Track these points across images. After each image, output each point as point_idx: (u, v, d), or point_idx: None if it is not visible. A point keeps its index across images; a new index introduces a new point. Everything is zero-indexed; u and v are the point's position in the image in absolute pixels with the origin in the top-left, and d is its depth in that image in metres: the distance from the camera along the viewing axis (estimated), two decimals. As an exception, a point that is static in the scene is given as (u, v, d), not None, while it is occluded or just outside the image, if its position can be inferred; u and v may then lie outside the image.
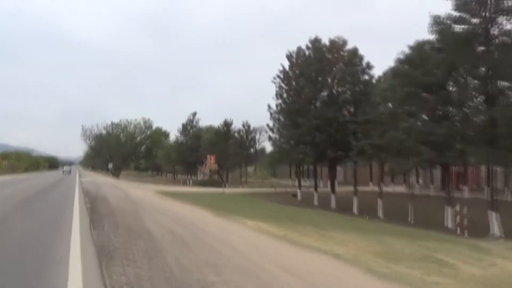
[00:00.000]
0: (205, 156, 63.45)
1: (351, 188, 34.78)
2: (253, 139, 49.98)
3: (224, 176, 54.07)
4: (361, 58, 28.76)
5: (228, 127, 55.95)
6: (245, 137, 48.89)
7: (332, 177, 31.17)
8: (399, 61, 20.54)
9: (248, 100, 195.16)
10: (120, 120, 62.72)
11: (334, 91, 29.57)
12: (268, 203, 27.22)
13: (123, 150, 62.42)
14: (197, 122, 71.63)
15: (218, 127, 58.97)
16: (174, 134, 72.39)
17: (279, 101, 37.31)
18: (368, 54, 28.62)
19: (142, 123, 63.07)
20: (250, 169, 79.59)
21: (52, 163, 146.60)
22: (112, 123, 62.64)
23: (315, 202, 32.86)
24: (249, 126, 49.25)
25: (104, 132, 62.64)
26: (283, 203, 30.97)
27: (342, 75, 29.02)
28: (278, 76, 36.90)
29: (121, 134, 63.14)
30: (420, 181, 52.32)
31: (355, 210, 27.75)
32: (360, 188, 36.45)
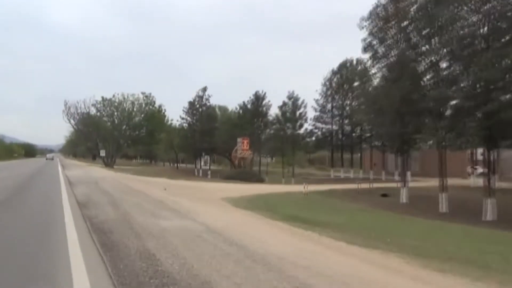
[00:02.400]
0: (225, 141, 50.84)
1: (431, 182, 23.55)
2: (302, 116, 37.49)
3: (250, 166, 41.68)
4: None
5: (259, 101, 43.51)
6: (289, 113, 36.45)
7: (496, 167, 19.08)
8: None
9: (231, 86, 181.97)
10: (114, 96, 49.26)
11: None
12: (407, 216, 15.35)
13: (118, 133, 49.20)
14: (207, 100, 58.70)
15: (244, 103, 46.45)
16: (174, 116, 58.96)
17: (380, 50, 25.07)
18: None
19: (141, 99, 49.76)
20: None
21: (28, 151, 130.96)
22: (104, 99, 49.13)
23: (443, 208, 21.02)
24: (296, 99, 36.71)
25: (93, 110, 49.17)
26: (401, 211, 19.05)
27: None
28: (371, 16, 24.50)
29: (115, 113, 49.73)
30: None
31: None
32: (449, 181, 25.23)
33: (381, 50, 25.55)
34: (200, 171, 59.76)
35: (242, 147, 36.09)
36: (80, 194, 11.46)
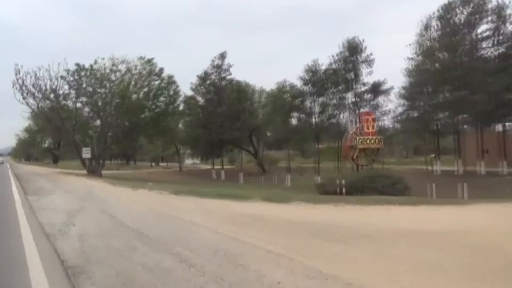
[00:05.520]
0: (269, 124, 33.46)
1: None
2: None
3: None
4: None
5: (354, 55, 27.08)
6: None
7: None
8: None
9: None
10: (96, 62, 30.83)
11: None
12: None
13: (105, 121, 31.03)
14: (227, 70, 41.40)
15: (316, 62, 29.61)
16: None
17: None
18: None
19: (139, 65, 31.75)
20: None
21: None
22: (80, 68, 30.65)
23: None
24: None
25: (64, 87, 30.47)
26: None
27: None
28: None
29: (99, 90, 31.52)
30: None
31: None
32: None
33: None
34: (223, 174, 42.54)
35: (366, 128, 19.90)
36: None
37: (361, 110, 27.17)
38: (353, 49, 28.35)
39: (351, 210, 11.82)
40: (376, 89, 28.41)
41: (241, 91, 39.79)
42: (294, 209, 12.01)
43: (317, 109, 30.72)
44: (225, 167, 44.52)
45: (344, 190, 17.30)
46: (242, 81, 46.07)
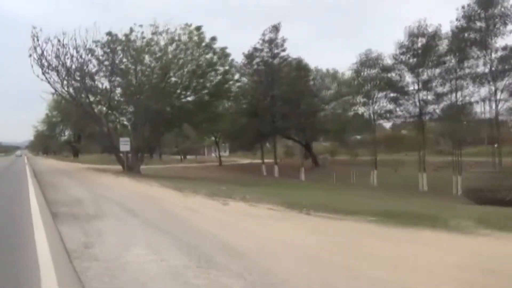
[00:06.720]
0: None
1: None
2: None
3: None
4: None
5: (490, 5, 20.06)
6: None
7: None
8: None
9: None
10: (132, 30, 24.57)
11: None
12: None
13: (144, 105, 24.79)
14: (282, 46, 34.64)
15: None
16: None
17: None
18: None
19: (185, 34, 25.36)
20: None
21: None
22: (113, 38, 24.45)
23: None
24: None
25: (93, 61, 24.41)
26: None
27: None
28: None
29: (135, 68, 25.32)
30: None
31: None
32: None
33: None
34: (276, 169, 35.96)
35: None
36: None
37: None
38: (486, 1, 20.92)
39: None
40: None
41: (302, 69, 33.03)
42: None
43: (420, 85, 23.72)
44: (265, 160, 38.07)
45: None
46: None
